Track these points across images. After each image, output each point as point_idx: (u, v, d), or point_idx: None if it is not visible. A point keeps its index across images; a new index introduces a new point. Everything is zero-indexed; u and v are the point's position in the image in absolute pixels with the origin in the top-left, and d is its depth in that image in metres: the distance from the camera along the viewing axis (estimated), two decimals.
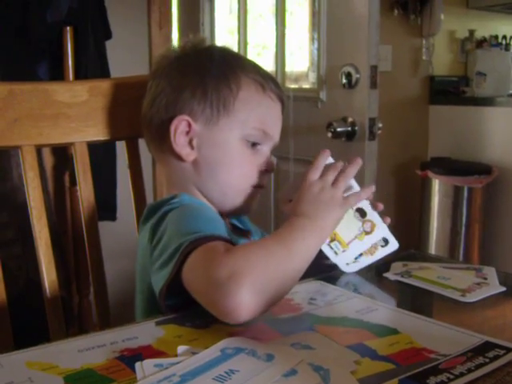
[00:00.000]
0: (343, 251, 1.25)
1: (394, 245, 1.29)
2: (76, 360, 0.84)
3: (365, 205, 1.26)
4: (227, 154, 1.27)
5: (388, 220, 1.31)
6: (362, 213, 1.26)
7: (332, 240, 1.24)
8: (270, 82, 1.31)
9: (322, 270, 1.33)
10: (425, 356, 0.85)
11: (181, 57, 1.33)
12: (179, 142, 1.26)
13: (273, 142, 1.33)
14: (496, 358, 0.83)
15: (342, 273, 1.27)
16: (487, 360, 0.82)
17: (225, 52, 1.36)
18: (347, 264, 1.27)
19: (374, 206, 1.28)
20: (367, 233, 1.26)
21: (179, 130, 1.25)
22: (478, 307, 1.10)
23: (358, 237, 1.26)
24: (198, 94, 1.26)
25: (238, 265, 0.93)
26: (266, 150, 1.32)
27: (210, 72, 1.27)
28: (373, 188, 1.23)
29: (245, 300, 0.90)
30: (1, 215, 2.44)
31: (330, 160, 1.21)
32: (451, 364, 0.81)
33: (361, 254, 1.28)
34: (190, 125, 1.25)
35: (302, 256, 1.02)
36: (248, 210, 1.33)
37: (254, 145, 1.28)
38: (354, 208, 1.25)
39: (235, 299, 0.90)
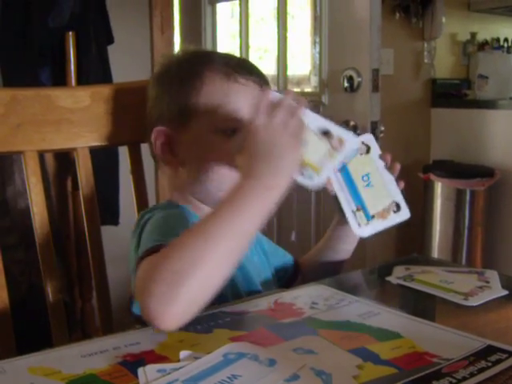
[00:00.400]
0: (318, 176, 1.18)
1: (405, 213, 1.29)
2: (79, 365, 0.84)
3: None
4: (205, 149, 1.26)
5: (402, 184, 1.31)
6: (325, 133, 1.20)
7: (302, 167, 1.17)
8: (239, 69, 1.29)
9: (331, 270, 1.34)
10: (427, 360, 0.85)
11: (161, 66, 1.37)
12: (161, 152, 1.30)
13: None
14: (498, 361, 0.83)
15: (344, 277, 1.27)
16: (490, 364, 0.82)
17: (193, 54, 1.37)
18: (359, 225, 1.26)
19: (386, 162, 1.28)
20: (335, 149, 1.19)
21: (159, 141, 1.29)
22: (480, 311, 1.10)
23: (327, 156, 1.19)
24: (165, 100, 1.30)
25: (149, 277, 0.93)
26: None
27: (177, 76, 1.30)
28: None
29: (158, 313, 0.90)
30: (4, 220, 2.45)
31: (276, 96, 1.11)
32: (454, 368, 0.81)
33: (373, 216, 1.26)
34: (166, 133, 1.28)
35: (239, 232, 0.98)
36: None
37: (234, 131, 1.25)
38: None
39: (150, 313, 0.90)
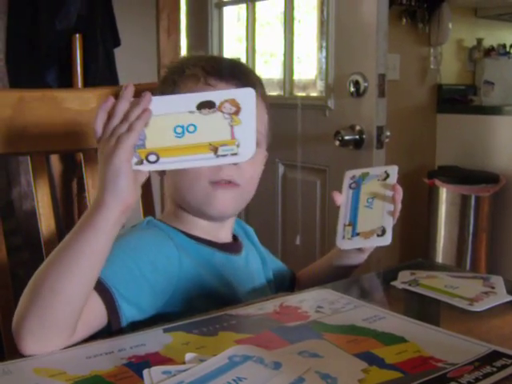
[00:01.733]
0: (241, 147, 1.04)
1: (387, 239, 1.30)
2: (84, 367, 0.85)
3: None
4: None
5: (396, 215, 1.32)
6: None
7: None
8: (211, 71, 1.26)
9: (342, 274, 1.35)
10: (432, 365, 0.85)
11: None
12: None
13: None
14: (503, 367, 0.83)
15: (350, 281, 1.27)
16: (495, 369, 0.82)
17: (181, 59, 1.38)
18: (343, 238, 1.33)
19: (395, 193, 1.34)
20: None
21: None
22: (485, 316, 1.10)
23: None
24: None
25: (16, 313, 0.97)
26: None
27: (161, 83, 1.32)
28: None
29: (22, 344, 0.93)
30: (9, 222, 2.45)
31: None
32: (459, 373, 0.81)
33: (358, 234, 1.32)
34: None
35: (72, 252, 0.96)
36: (216, 209, 1.25)
37: None
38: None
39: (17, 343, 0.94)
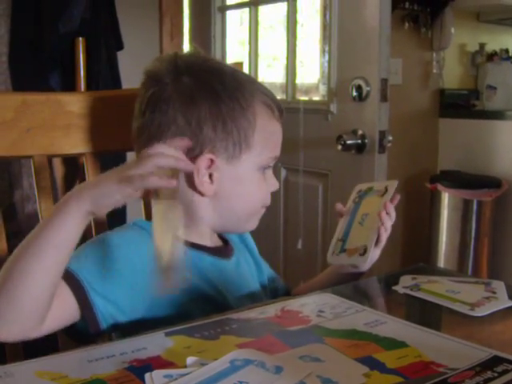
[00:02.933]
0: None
1: (364, 261, 1.31)
2: (85, 370, 0.85)
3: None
4: (246, 186, 1.25)
5: (382, 232, 1.32)
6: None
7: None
8: (274, 100, 1.28)
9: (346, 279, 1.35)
10: (433, 370, 0.84)
11: (184, 77, 1.23)
12: (202, 178, 1.21)
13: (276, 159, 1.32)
14: (504, 372, 0.83)
15: (351, 285, 1.27)
16: (496, 374, 0.82)
17: (233, 72, 1.28)
18: (332, 253, 1.34)
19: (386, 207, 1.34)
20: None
21: (202, 167, 1.20)
22: (486, 321, 1.10)
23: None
24: (219, 130, 1.20)
25: None
26: (271, 169, 1.31)
27: (224, 100, 1.21)
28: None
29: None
30: (11, 224, 2.45)
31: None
32: (460, 378, 0.81)
33: (345, 250, 1.33)
34: (212, 160, 1.21)
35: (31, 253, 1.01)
36: (253, 227, 1.33)
37: (263, 168, 1.27)
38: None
39: None
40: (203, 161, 1.20)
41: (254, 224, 1.32)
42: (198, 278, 1.21)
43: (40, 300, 0.99)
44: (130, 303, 1.13)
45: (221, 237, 1.36)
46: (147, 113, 1.22)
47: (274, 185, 1.31)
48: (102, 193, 0.99)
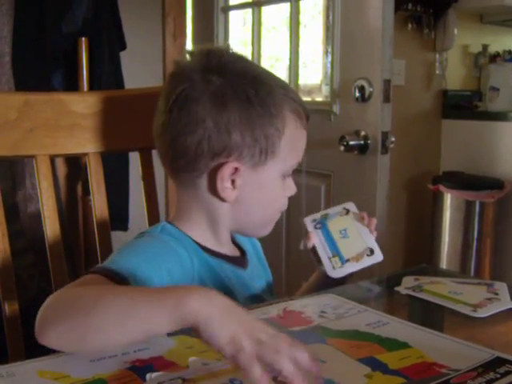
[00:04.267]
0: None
1: (378, 256, 1.36)
2: (87, 370, 0.85)
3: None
4: (266, 193, 1.24)
5: (375, 233, 1.40)
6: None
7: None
8: (303, 107, 1.25)
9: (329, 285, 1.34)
10: (436, 370, 0.84)
11: (216, 77, 1.18)
12: (224, 185, 1.19)
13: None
14: (507, 373, 0.83)
15: (353, 286, 1.27)
16: (498, 375, 0.82)
17: (265, 76, 1.24)
18: (334, 268, 1.35)
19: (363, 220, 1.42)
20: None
21: (226, 175, 1.17)
22: (489, 322, 1.10)
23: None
24: (247, 136, 1.16)
25: (48, 306, 0.94)
26: (290, 175, 1.29)
27: (255, 106, 1.16)
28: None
29: (46, 338, 0.89)
30: (14, 224, 2.45)
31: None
32: (462, 379, 0.81)
33: (347, 260, 1.35)
34: (236, 168, 1.18)
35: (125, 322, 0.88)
36: (268, 230, 1.32)
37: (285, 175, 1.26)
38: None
39: (38, 334, 0.90)
40: (228, 168, 1.17)
41: (269, 229, 1.31)
42: (218, 286, 1.20)
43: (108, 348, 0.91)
44: None
45: (237, 246, 1.36)
46: (174, 110, 1.18)
47: (292, 189, 1.30)
48: (220, 322, 0.82)
